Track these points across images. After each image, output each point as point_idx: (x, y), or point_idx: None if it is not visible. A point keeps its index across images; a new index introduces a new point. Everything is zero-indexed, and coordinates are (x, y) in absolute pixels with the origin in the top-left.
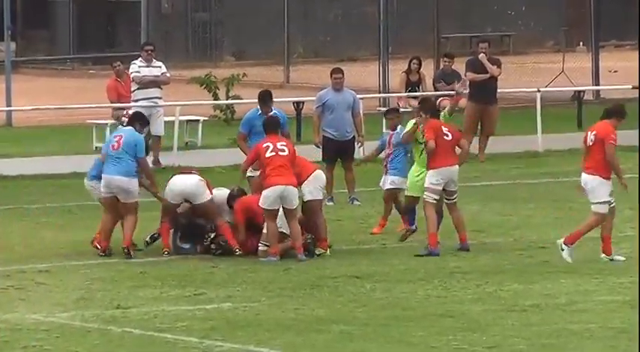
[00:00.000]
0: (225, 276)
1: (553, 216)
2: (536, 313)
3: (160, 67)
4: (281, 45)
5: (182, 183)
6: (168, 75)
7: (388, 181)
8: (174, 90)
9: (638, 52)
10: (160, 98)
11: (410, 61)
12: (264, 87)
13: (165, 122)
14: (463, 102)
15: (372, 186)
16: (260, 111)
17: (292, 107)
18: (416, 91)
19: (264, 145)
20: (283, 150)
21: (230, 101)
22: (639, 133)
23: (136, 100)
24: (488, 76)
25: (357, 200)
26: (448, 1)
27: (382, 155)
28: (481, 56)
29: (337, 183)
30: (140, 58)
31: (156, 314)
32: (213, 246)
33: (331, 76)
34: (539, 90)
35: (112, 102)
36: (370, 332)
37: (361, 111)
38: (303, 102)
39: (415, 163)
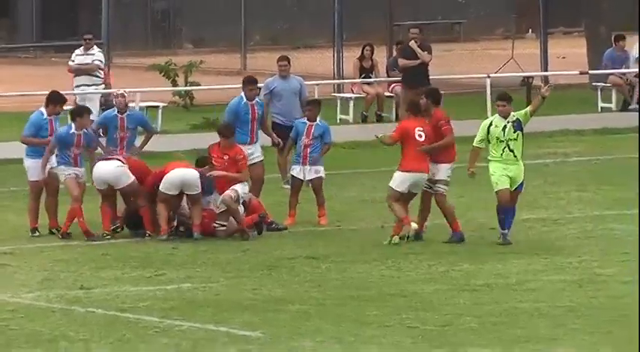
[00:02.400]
0: (184, 258)
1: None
2: (486, 292)
3: (93, 54)
4: (238, 33)
5: (102, 170)
6: (97, 62)
7: (313, 171)
8: (134, 77)
9: (638, 52)
10: (88, 85)
11: (363, 48)
12: (222, 74)
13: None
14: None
15: (326, 169)
16: (244, 100)
17: None
18: (369, 77)
19: None
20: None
21: (189, 87)
22: (639, 119)
23: (77, 87)
24: (419, 62)
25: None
26: None
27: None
28: (411, 43)
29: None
30: (82, 47)
31: (118, 295)
32: (182, 228)
33: (277, 63)
34: (489, 76)
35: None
36: (326, 311)
37: (308, 97)
38: (259, 89)
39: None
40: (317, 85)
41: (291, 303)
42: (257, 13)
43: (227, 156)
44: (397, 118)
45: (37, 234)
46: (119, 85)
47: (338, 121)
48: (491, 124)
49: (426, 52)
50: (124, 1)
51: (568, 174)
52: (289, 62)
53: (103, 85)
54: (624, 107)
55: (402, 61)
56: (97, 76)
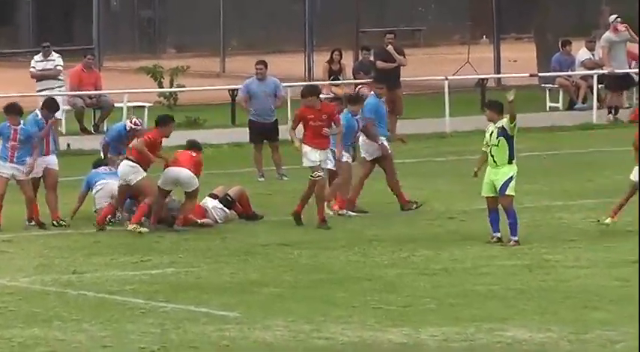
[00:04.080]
0: (168, 245)
1: (459, 189)
2: (444, 276)
3: (54, 60)
4: (217, 39)
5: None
6: (59, 68)
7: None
8: (122, 79)
9: (638, 51)
10: (52, 89)
11: (332, 53)
12: (203, 76)
13: (115, 108)
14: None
15: (298, 164)
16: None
17: (228, 94)
18: (337, 80)
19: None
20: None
21: (174, 89)
22: (639, 117)
23: (40, 91)
24: (396, 64)
25: (285, 176)
26: (367, 0)
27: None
28: (389, 47)
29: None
30: (40, 54)
31: (107, 279)
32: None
33: (255, 67)
34: (446, 78)
35: (72, 89)
36: (297, 293)
37: (284, 95)
38: (236, 90)
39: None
40: (289, 86)
41: (266, 286)
42: (234, 21)
43: (325, 115)
44: None
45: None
46: (109, 87)
47: None
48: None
49: (401, 56)
50: (114, 9)
51: (520, 168)
52: (266, 66)
53: (64, 87)
54: (570, 106)
55: (380, 64)
56: (59, 80)
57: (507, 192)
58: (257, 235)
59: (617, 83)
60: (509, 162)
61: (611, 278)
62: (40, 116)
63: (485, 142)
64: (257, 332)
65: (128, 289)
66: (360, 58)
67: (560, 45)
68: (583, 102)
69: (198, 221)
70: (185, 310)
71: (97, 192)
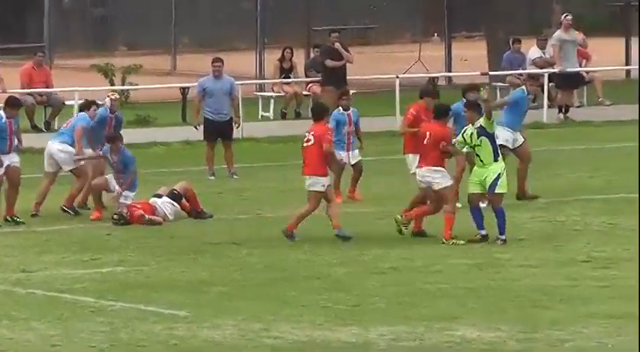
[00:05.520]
0: (118, 243)
1: (410, 188)
2: (394, 275)
3: None
4: (169, 37)
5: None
6: None
7: (354, 155)
8: (73, 77)
9: (638, 51)
10: None
11: (283, 51)
12: (154, 74)
13: (65, 105)
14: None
15: (249, 162)
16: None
17: (179, 92)
18: (288, 78)
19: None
20: (309, 140)
21: (125, 87)
22: (639, 116)
23: None
24: (344, 62)
25: (236, 175)
26: None
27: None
28: (337, 45)
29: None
30: None
31: (57, 277)
32: (115, 217)
33: (212, 65)
34: (397, 77)
35: (22, 87)
36: (247, 292)
37: (239, 95)
38: (188, 88)
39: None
40: (241, 84)
41: (215, 285)
42: (186, 19)
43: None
44: None
45: None
46: (61, 85)
47: (260, 118)
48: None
49: (348, 54)
50: (66, 7)
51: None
52: (222, 63)
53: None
54: None
55: (330, 62)
56: None
57: (497, 190)
58: (207, 234)
59: (568, 82)
60: (495, 159)
61: (560, 277)
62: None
63: (458, 142)
64: (206, 330)
65: (78, 288)
66: (312, 56)
67: (510, 43)
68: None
69: (147, 216)
70: (134, 309)
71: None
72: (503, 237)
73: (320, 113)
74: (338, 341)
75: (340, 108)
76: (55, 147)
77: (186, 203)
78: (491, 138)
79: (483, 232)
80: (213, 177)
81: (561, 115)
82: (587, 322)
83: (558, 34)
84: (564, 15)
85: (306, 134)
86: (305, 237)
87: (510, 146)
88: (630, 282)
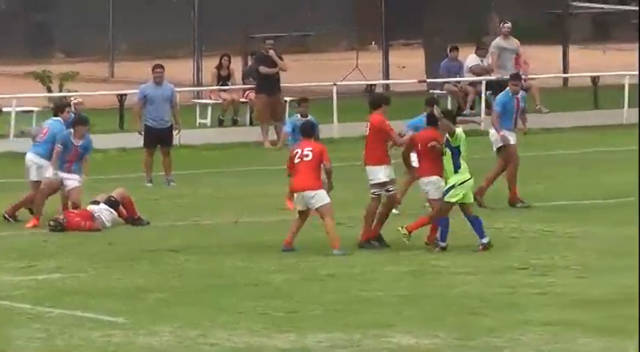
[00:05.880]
0: (56, 249)
1: (347, 195)
2: (331, 282)
3: None
4: (106, 43)
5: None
6: None
7: None
8: (10, 84)
9: (637, 52)
10: None
11: (221, 58)
12: (92, 81)
13: (2, 112)
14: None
15: (186, 169)
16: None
17: (116, 99)
18: (226, 85)
19: (294, 151)
20: (307, 156)
21: (62, 93)
22: (639, 118)
23: None
24: (277, 69)
25: (173, 182)
26: (255, 5)
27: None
28: (271, 52)
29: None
30: None
31: None
32: (52, 223)
33: (153, 71)
34: (335, 84)
35: None
36: (184, 298)
37: (177, 102)
38: (125, 95)
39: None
40: (178, 91)
41: (153, 292)
42: (123, 26)
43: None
44: (251, 122)
45: None
46: None
47: (197, 125)
48: None
49: (282, 61)
50: (2, 13)
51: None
52: (164, 70)
53: None
54: (458, 112)
55: (263, 69)
56: None
57: (445, 197)
58: (144, 240)
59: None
60: (455, 171)
61: (497, 285)
62: None
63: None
64: (143, 337)
65: (15, 294)
66: (249, 63)
67: (448, 51)
68: (471, 109)
69: (82, 222)
70: (71, 315)
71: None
72: (443, 245)
73: (311, 130)
74: (275, 348)
75: (298, 115)
76: (28, 157)
77: (123, 210)
78: (454, 151)
79: (485, 241)
80: (150, 184)
81: None
82: (524, 329)
83: (497, 41)
84: (503, 23)
85: (298, 150)
86: (243, 244)
87: (513, 142)
88: (567, 289)
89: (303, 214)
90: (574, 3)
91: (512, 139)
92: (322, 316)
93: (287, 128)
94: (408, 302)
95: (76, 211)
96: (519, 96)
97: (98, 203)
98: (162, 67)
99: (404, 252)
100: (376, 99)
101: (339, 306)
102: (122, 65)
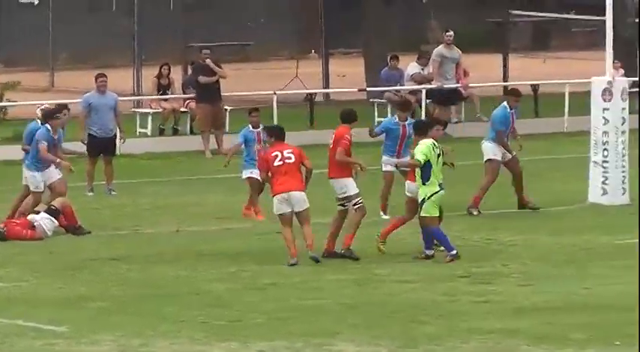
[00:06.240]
0: None
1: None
2: (273, 291)
3: None
4: (46, 53)
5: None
6: None
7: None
8: None
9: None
10: None
11: (160, 67)
12: (32, 90)
13: None
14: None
15: (126, 178)
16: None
17: None
18: (166, 94)
19: (273, 154)
20: (290, 158)
21: (3, 103)
22: (639, 123)
23: None
24: (217, 78)
25: (114, 191)
26: (195, 15)
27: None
28: (208, 61)
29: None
30: None
31: None
32: None
33: (96, 80)
34: (275, 93)
35: None
36: (126, 307)
37: (120, 111)
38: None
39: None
40: (119, 101)
41: (94, 300)
42: (63, 35)
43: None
44: (192, 131)
45: None
46: None
47: (137, 134)
48: None
49: (221, 69)
50: None
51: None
52: (107, 78)
53: None
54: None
55: (203, 79)
56: None
57: (421, 213)
58: (85, 249)
59: (446, 98)
60: (423, 183)
61: (438, 292)
62: None
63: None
64: (85, 346)
65: None
66: (189, 72)
67: (388, 59)
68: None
69: (23, 232)
70: (13, 324)
71: None
72: (429, 252)
73: (284, 133)
74: None
75: (250, 125)
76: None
77: (64, 219)
78: (426, 164)
79: (429, 252)
80: (91, 193)
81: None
82: (466, 337)
83: (440, 50)
84: (445, 31)
85: (277, 153)
86: (184, 253)
87: (499, 158)
88: (508, 297)
89: (288, 220)
90: (514, 11)
91: (498, 155)
92: (264, 324)
93: (239, 138)
94: (351, 311)
95: (17, 220)
96: (514, 110)
97: (39, 212)
98: (105, 75)
99: (346, 260)
100: (351, 115)
101: (281, 315)
102: (62, 74)
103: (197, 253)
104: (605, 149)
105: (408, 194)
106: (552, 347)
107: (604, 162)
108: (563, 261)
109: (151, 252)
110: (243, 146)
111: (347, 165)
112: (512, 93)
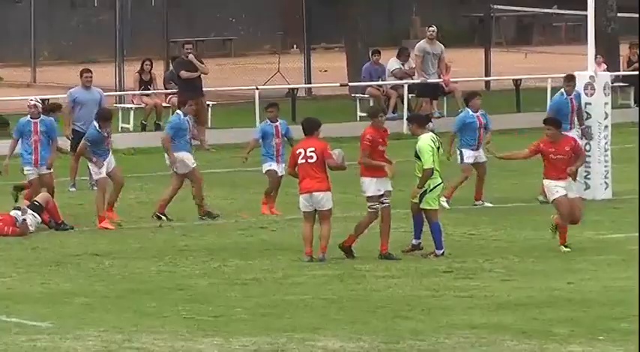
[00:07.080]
0: None
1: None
2: (256, 286)
3: None
4: (28, 49)
5: None
6: None
7: (280, 168)
8: None
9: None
10: None
11: (143, 63)
12: (14, 86)
13: None
14: None
15: None
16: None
17: None
18: (148, 89)
19: (297, 151)
20: (311, 157)
21: None
22: (639, 118)
23: None
24: (199, 73)
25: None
26: (176, 10)
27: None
28: (191, 56)
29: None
30: None
31: None
32: None
33: (82, 76)
34: (257, 88)
35: None
36: (109, 303)
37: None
38: (48, 100)
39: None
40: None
41: (77, 296)
42: (45, 31)
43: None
44: None
45: None
46: None
47: (120, 129)
48: None
49: (202, 65)
50: None
51: (331, 178)
52: (92, 74)
53: None
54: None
55: (185, 74)
56: None
57: (422, 206)
58: (68, 245)
59: (428, 91)
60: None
61: (421, 287)
62: None
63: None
64: (69, 342)
65: None
66: (171, 67)
67: (370, 55)
68: (394, 112)
69: (6, 228)
70: None
71: None
72: (439, 252)
73: (313, 127)
74: None
75: (268, 120)
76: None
77: (47, 214)
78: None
79: (415, 242)
80: (74, 189)
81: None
82: (449, 332)
83: (422, 45)
84: (428, 27)
85: (301, 150)
86: (167, 248)
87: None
88: (491, 292)
89: (310, 218)
90: (496, 6)
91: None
92: (247, 320)
93: (256, 134)
94: (333, 306)
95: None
96: (573, 95)
97: (20, 208)
98: (91, 71)
99: (330, 257)
100: (375, 111)
101: (264, 310)
102: (44, 70)
103: (180, 248)
104: (587, 144)
105: None
106: (536, 341)
107: (586, 156)
108: (547, 256)
109: (133, 247)
110: (260, 140)
111: (371, 166)
112: (565, 79)
